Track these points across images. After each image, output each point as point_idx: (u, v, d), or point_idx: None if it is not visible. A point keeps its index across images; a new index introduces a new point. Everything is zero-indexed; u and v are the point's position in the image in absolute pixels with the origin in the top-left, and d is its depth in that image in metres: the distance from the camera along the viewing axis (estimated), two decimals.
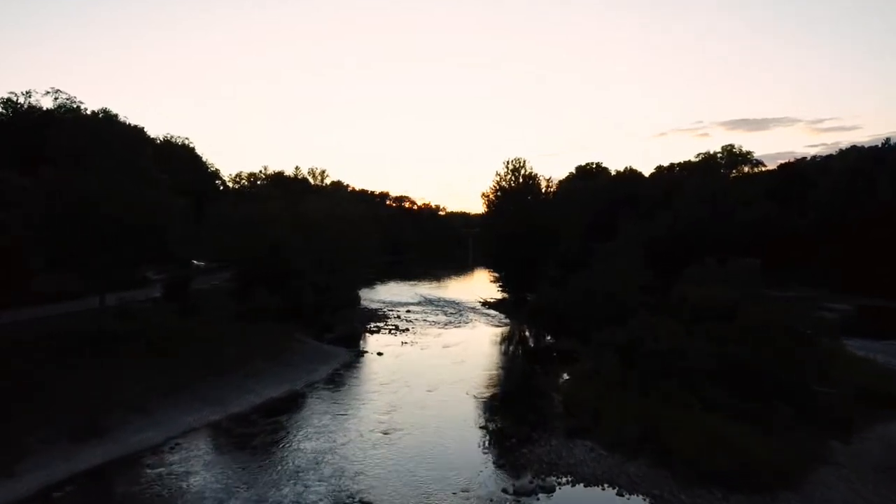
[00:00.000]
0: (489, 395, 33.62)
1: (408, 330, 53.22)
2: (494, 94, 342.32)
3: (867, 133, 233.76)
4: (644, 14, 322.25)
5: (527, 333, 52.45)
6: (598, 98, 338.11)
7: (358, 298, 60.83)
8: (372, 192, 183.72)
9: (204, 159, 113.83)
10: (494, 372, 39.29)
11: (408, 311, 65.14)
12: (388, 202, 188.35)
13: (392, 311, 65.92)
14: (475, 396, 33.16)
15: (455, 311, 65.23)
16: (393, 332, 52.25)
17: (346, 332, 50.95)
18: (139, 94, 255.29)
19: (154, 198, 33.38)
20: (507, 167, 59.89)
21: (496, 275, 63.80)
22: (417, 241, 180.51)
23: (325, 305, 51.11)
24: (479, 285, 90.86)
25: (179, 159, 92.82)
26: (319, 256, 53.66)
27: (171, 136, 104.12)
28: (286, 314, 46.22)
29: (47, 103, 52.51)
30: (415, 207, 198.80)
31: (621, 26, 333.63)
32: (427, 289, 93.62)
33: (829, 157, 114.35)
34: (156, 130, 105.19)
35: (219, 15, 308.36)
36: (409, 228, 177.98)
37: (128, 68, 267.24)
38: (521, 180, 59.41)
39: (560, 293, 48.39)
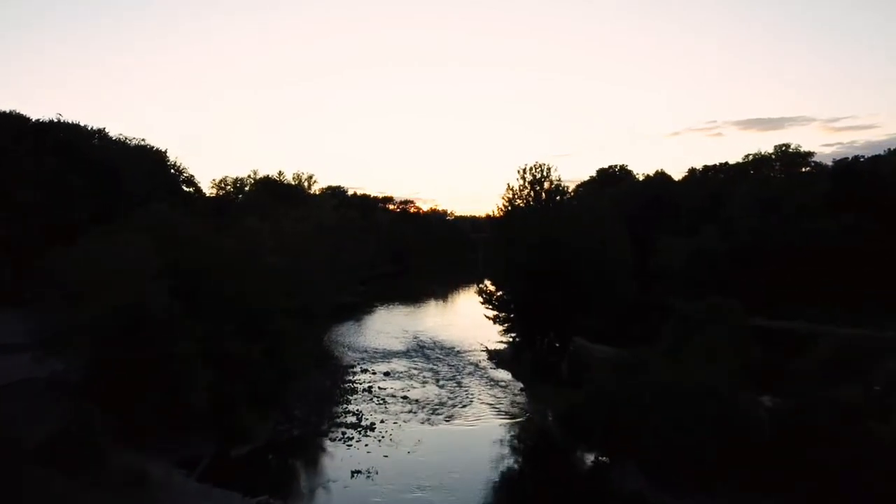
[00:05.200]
0: None
1: (373, 427, 33.15)
2: (503, 95, 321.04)
3: (884, 132, 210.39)
4: (656, 13, 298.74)
5: (562, 444, 31.90)
6: (610, 98, 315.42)
7: (308, 362, 40.16)
8: (374, 197, 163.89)
9: (177, 164, 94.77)
10: None
11: (386, 375, 45.14)
12: (390, 206, 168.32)
13: (365, 372, 46.09)
14: None
15: (452, 374, 45.03)
16: (346, 437, 32.03)
17: (268, 439, 31.21)
18: (134, 100, 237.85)
19: None
20: (524, 177, 39.35)
21: (510, 332, 42.81)
22: (423, 247, 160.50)
23: (239, 393, 31.22)
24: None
25: (132, 161, 73.79)
26: (237, 311, 33.76)
27: (126, 138, 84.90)
28: (162, 417, 26.66)
29: None
30: (420, 211, 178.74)
31: (632, 25, 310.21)
32: (424, 320, 73.81)
33: (877, 157, 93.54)
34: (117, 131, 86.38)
35: (225, 15, 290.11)
36: (413, 234, 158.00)
37: (120, 73, 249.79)
38: (544, 196, 38.86)
39: (617, 385, 28.09)
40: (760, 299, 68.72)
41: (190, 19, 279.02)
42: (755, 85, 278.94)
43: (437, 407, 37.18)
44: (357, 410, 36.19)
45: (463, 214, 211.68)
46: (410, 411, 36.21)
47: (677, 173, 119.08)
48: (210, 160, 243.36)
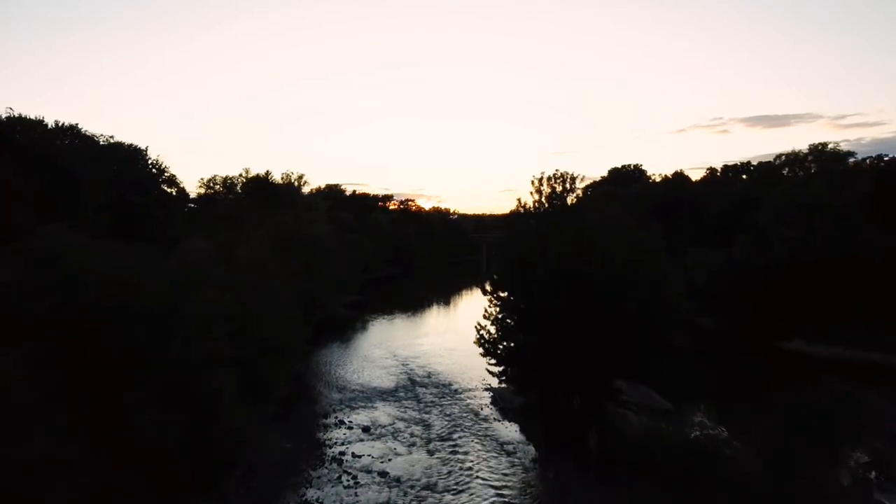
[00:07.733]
0: None
1: None
2: (507, 93, 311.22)
3: (892, 129, 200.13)
4: (661, 10, 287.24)
5: None
6: (615, 95, 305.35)
7: (247, 434, 30.05)
8: (374, 196, 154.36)
9: (158, 163, 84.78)
10: None
11: (364, 431, 35.57)
12: (391, 205, 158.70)
13: (340, 426, 36.60)
14: None
15: (447, 431, 35.52)
16: None
17: None
18: (135, 102, 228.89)
19: None
20: (539, 189, 29.36)
21: (520, 393, 32.91)
22: (424, 248, 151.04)
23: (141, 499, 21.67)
24: None
25: (101, 161, 64.19)
26: (153, 372, 24.22)
27: (95, 135, 75.17)
28: None
29: None
30: (422, 210, 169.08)
31: (638, 23, 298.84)
32: (421, 341, 64.13)
33: None
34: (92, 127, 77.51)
35: (232, 15, 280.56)
36: (414, 234, 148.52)
37: (119, 75, 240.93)
38: (564, 212, 28.96)
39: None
40: (800, 320, 59.04)
41: (192, 22, 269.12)
42: (761, 82, 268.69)
43: (423, 493, 27.55)
44: (317, 500, 26.64)
45: (466, 213, 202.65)
46: (388, 502, 26.64)
47: (685, 171, 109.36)
48: (214, 161, 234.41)
